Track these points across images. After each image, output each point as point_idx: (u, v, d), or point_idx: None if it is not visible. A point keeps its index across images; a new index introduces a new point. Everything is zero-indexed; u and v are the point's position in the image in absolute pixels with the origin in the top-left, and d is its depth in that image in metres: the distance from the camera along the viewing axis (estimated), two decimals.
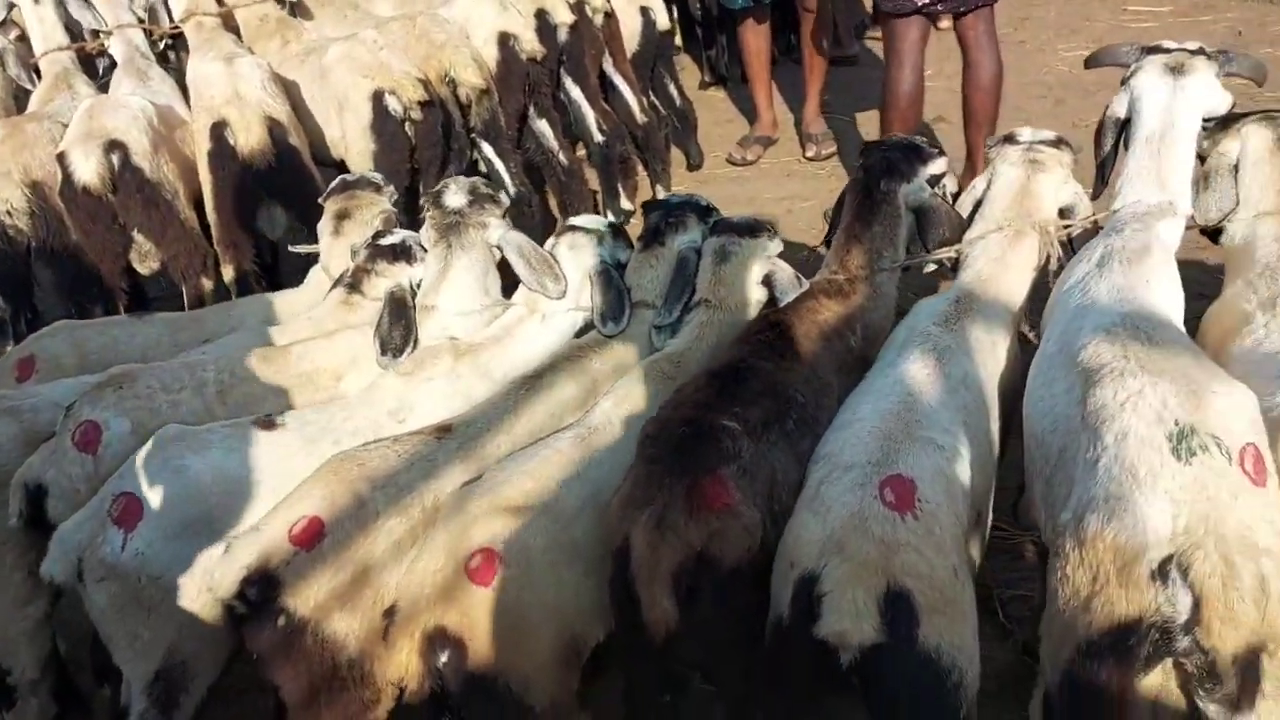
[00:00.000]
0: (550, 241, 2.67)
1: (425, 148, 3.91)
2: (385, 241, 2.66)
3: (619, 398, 2.29)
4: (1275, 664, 1.60)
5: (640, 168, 5.02)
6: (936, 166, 2.60)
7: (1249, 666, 1.58)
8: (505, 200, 2.75)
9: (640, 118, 4.90)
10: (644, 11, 4.95)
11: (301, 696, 1.99)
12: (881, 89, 4.31)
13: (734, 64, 6.56)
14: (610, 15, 4.77)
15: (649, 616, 1.87)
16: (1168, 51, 2.49)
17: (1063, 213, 2.53)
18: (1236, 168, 2.43)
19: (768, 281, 2.51)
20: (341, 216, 2.88)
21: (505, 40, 4.30)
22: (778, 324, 2.40)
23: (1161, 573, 1.58)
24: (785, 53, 6.63)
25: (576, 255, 2.60)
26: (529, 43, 4.33)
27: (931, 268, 2.70)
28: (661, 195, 5.01)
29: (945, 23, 4.40)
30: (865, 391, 2.13)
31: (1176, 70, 2.43)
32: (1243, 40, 6.49)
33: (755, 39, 5.56)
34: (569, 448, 2.13)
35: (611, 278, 2.54)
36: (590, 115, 4.70)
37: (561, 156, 4.57)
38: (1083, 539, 1.69)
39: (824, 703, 1.82)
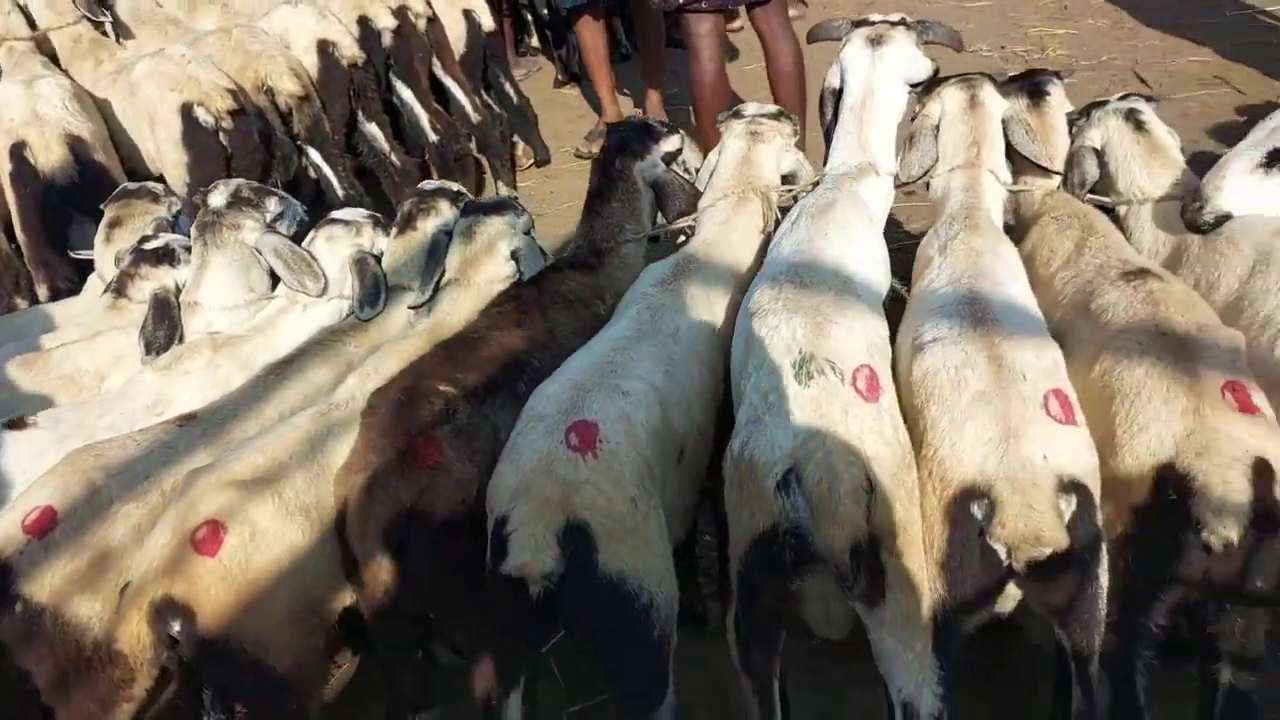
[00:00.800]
0: (310, 235, 2.79)
1: (240, 156, 4.00)
2: (148, 246, 2.76)
3: (365, 374, 2.40)
4: (894, 559, 1.79)
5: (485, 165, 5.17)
6: (670, 144, 2.78)
7: (870, 562, 1.76)
8: (274, 206, 2.86)
9: (474, 116, 5.03)
10: (467, 15, 5.08)
11: (51, 681, 2.08)
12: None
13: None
14: (434, 19, 4.90)
15: (365, 573, 2.01)
16: (871, 24, 2.69)
17: (786, 179, 2.72)
18: (938, 127, 2.64)
19: (515, 256, 2.66)
20: (113, 224, 2.98)
21: (325, 48, 4.41)
22: (518, 296, 2.56)
23: (784, 484, 1.76)
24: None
25: (333, 246, 2.73)
26: (349, 49, 4.44)
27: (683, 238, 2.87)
28: (504, 191, 5.17)
29: (736, 22, 4.59)
30: (581, 350, 2.28)
31: (876, 41, 2.64)
32: (1068, 12, 6.82)
33: (591, 35, 5.71)
34: (307, 423, 2.25)
35: (367, 265, 2.67)
36: (423, 117, 4.82)
37: (394, 158, 4.69)
38: (734, 460, 1.87)
39: (528, 634, 1.96)
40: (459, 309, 2.60)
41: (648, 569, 1.93)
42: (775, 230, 2.61)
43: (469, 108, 5.02)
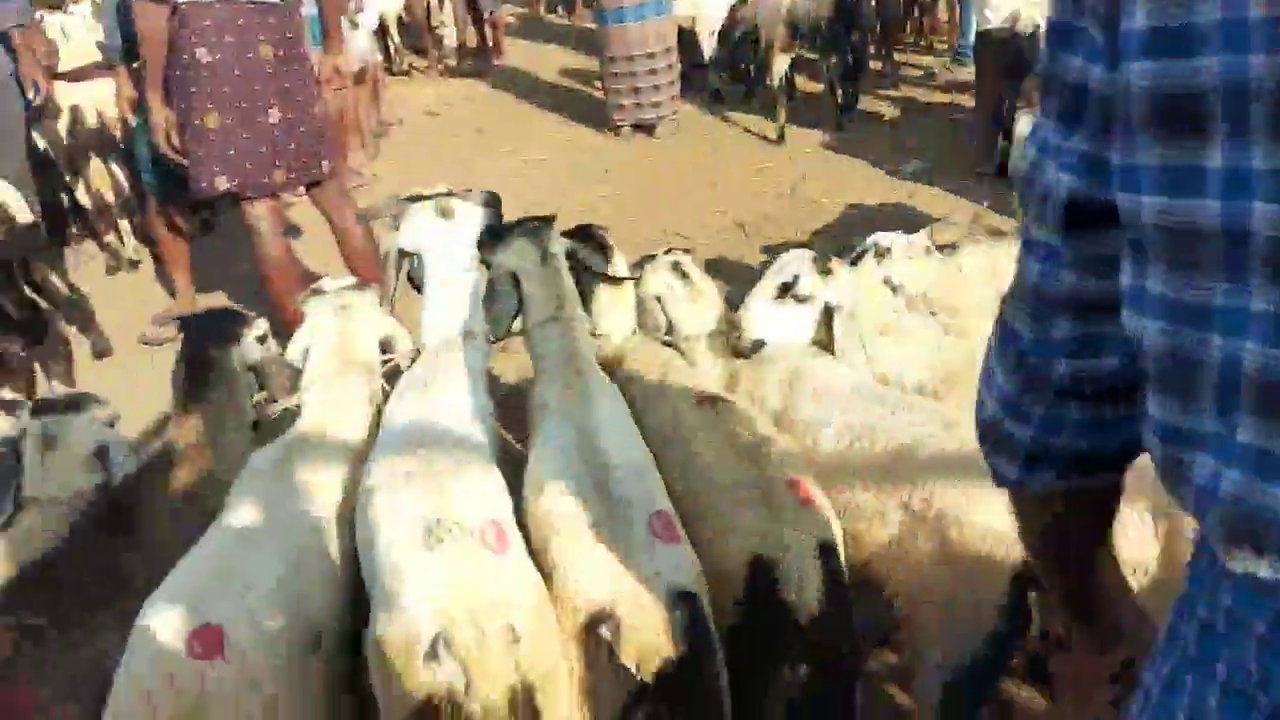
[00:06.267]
0: None
1: None
2: None
3: None
4: (550, 699, 1.88)
5: None
6: (259, 327, 2.77)
7: (526, 711, 1.83)
8: None
9: (16, 313, 4.55)
10: None
11: None
12: None
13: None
14: None
15: None
16: (426, 198, 2.92)
17: (384, 346, 2.82)
18: (513, 276, 2.88)
19: (100, 455, 2.46)
20: None
21: None
22: (114, 504, 2.37)
23: (432, 653, 1.79)
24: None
25: None
26: None
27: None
28: (59, 389, 4.68)
29: (291, 197, 4.63)
30: (190, 555, 2.15)
31: (446, 213, 2.87)
32: (609, 175, 7.71)
33: (175, 223, 5.47)
34: None
35: None
36: None
37: None
38: (375, 643, 1.86)
39: None
40: (41, 526, 2.33)
41: None
42: (384, 402, 2.69)
43: (9, 305, 4.54)
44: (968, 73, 8.46)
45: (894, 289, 3.12)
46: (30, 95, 5.40)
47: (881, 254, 3.24)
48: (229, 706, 1.77)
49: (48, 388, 4.69)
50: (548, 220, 3.09)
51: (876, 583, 2.46)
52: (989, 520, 2.21)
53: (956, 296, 3.11)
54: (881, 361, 2.99)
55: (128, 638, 2.02)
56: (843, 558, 2.25)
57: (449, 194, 2.93)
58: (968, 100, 8.42)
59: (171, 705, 1.74)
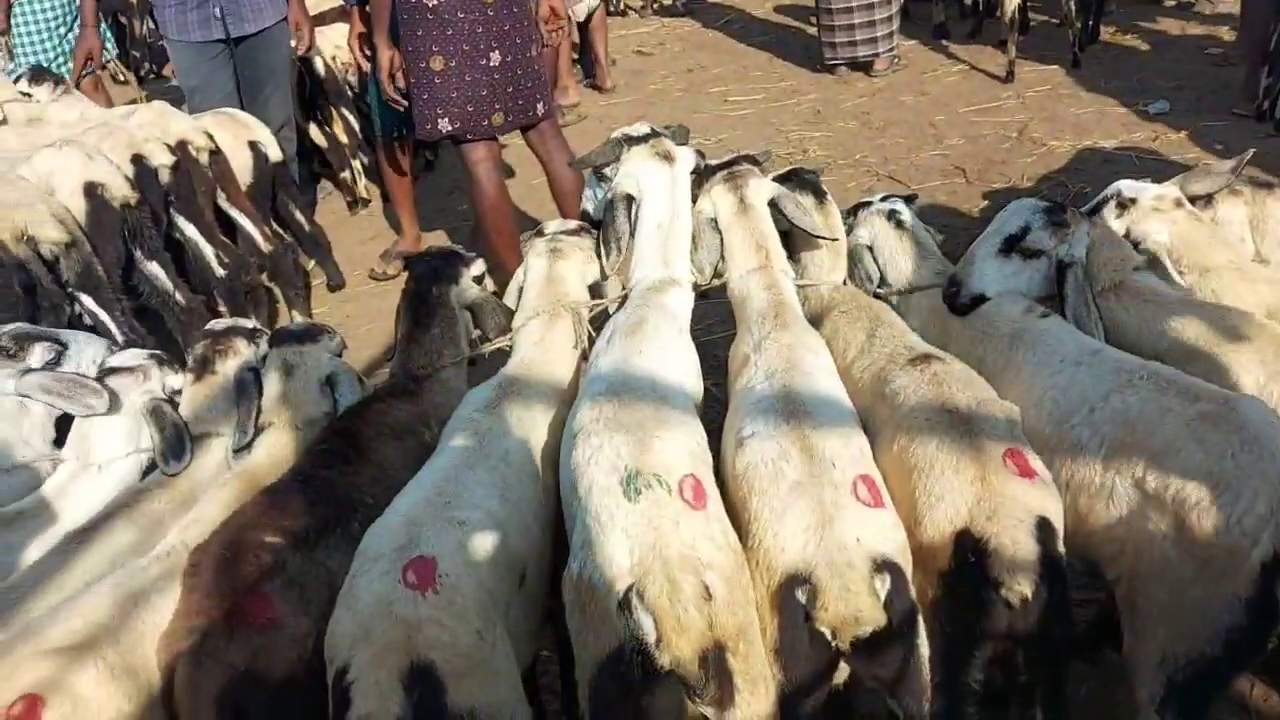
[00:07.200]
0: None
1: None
2: None
3: (185, 525, 2.29)
4: (740, 660, 1.86)
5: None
6: (477, 268, 2.85)
7: (718, 667, 1.82)
8: (42, 352, 2.69)
9: (265, 247, 4.93)
10: (253, 146, 5.02)
11: None
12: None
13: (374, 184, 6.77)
14: (217, 152, 4.81)
15: None
16: (646, 138, 2.86)
17: (594, 290, 2.84)
18: (714, 221, 2.83)
19: (331, 383, 2.62)
20: None
21: (93, 190, 4.22)
22: (343, 430, 2.51)
23: (625, 602, 1.80)
24: None
25: (123, 397, 2.59)
26: (120, 189, 4.27)
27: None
28: (298, 319, 5.06)
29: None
30: (411, 483, 2.27)
31: (667, 158, 2.82)
32: (821, 116, 7.47)
33: (396, 158, 5.75)
34: (127, 579, 2.11)
35: (164, 414, 2.55)
36: (209, 251, 4.69)
37: (178, 296, 4.51)
38: (573, 584, 1.90)
39: None
40: (280, 448, 2.52)
41: (500, 701, 1.91)
42: (590, 345, 2.72)
43: (258, 238, 4.93)
44: (1228, 2, 7.60)
45: (1136, 245, 2.84)
46: (293, 43, 5.76)
47: (1125, 205, 2.95)
48: (437, 635, 1.85)
49: (288, 317, 5.09)
50: (755, 161, 3.01)
51: (1097, 563, 2.29)
52: (1235, 507, 2.00)
53: (1209, 255, 2.80)
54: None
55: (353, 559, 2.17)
56: (1060, 535, 2.11)
57: (655, 134, 2.88)
58: (1226, 34, 7.56)
59: (384, 632, 1.84)
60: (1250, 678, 2.59)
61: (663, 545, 1.83)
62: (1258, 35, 6.07)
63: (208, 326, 2.88)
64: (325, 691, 1.94)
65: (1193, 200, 2.94)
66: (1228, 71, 6.86)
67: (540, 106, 4.53)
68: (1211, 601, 2.03)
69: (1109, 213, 2.94)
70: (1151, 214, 2.88)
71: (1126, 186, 2.99)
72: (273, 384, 2.61)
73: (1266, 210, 2.91)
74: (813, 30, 8.66)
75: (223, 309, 4.69)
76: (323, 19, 6.48)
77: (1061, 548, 2.10)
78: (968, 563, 2.04)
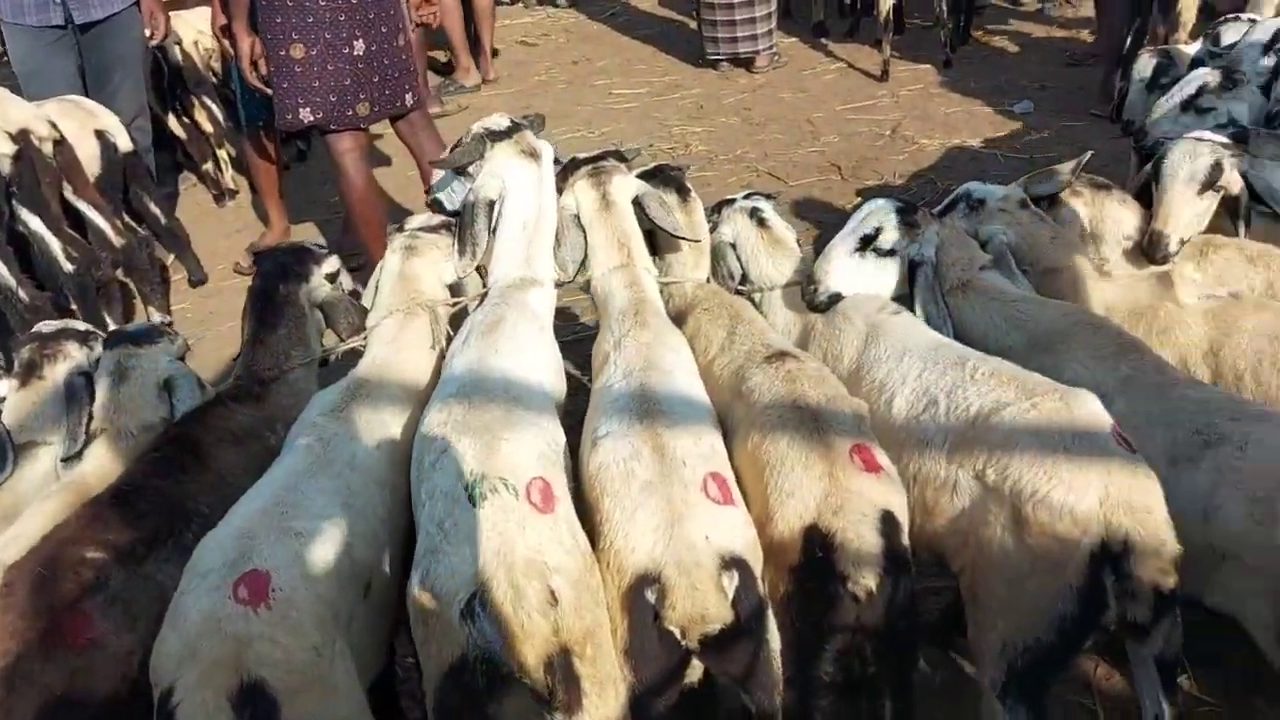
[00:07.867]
0: None
1: None
2: None
3: (4, 542, 2.16)
4: (587, 664, 1.84)
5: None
6: (330, 265, 2.76)
7: (564, 672, 1.80)
8: None
9: (117, 240, 4.69)
10: (100, 135, 4.77)
11: None
12: None
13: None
14: (61, 142, 4.54)
15: None
16: (508, 133, 2.81)
17: (454, 289, 2.77)
18: (577, 218, 2.80)
19: (168, 387, 2.50)
20: None
21: None
22: (180, 437, 2.40)
23: (468, 610, 1.76)
24: None
25: None
26: None
27: None
28: (155, 317, 4.84)
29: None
30: (249, 492, 2.17)
31: (533, 155, 2.77)
32: (704, 111, 7.52)
33: (266, 151, 5.54)
34: None
35: None
36: (55, 245, 4.43)
37: (21, 293, 4.26)
38: (416, 594, 1.85)
39: None
40: (112, 457, 2.39)
41: (340, 717, 1.85)
42: (448, 345, 2.65)
43: (109, 231, 4.68)
44: (1088, 7, 7.93)
45: (983, 245, 2.92)
46: (146, 31, 5.46)
47: (974, 206, 3.04)
48: (268, 652, 1.77)
49: (145, 315, 4.86)
50: (623, 158, 2.99)
51: (943, 555, 2.35)
52: (1067, 498, 2.07)
53: (1052, 255, 2.90)
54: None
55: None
56: (906, 529, 2.15)
57: (516, 127, 2.82)
58: (1087, 36, 7.90)
59: (211, 650, 1.76)
60: (1093, 657, 2.70)
61: (507, 551, 1.79)
62: (1114, 40, 6.36)
63: (35, 329, 2.71)
64: (152, 713, 1.85)
65: (1036, 201, 3.04)
66: (1085, 73, 7.15)
67: (409, 97, 4.42)
68: (1046, 592, 2.09)
69: (958, 213, 3.03)
70: (998, 215, 2.98)
71: (975, 188, 3.08)
72: (105, 389, 2.47)
73: (1105, 211, 3.03)
74: (695, 25, 8.71)
75: (74, 306, 4.47)
76: (183, 3, 6.20)
77: (906, 541, 2.14)
78: (816, 557, 2.07)
